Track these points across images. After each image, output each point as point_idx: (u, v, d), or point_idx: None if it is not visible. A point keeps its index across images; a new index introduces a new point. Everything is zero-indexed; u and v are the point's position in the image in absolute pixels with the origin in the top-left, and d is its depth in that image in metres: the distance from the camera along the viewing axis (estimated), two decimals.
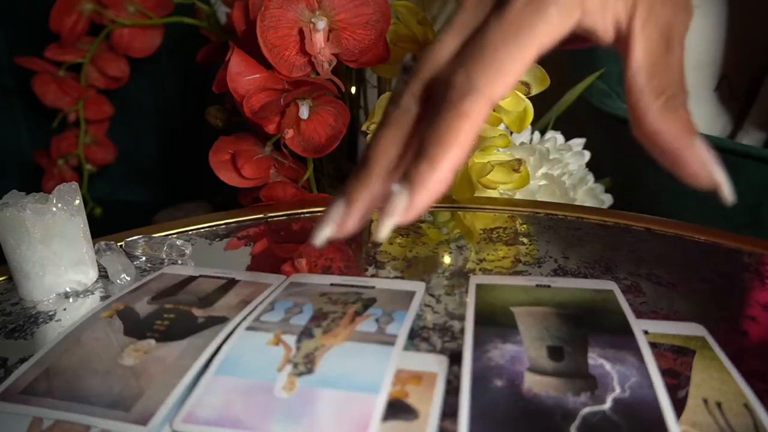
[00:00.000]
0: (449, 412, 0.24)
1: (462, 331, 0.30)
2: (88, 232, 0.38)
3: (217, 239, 0.45)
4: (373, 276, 0.38)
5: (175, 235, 0.45)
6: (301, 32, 0.48)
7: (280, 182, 0.52)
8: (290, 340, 0.29)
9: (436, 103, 0.23)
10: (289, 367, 0.27)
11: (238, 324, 0.30)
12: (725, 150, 0.67)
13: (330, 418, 0.24)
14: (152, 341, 0.29)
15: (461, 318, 0.32)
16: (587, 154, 0.62)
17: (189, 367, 0.27)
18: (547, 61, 0.53)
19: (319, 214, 0.49)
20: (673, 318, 0.31)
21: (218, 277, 0.37)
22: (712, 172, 0.23)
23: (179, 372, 0.27)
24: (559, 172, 0.58)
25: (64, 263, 0.36)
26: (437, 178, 0.22)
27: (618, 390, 0.25)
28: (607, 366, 0.26)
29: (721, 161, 0.24)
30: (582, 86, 0.77)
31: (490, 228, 0.45)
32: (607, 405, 0.24)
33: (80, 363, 0.28)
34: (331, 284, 0.35)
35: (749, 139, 0.86)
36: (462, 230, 0.46)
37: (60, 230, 0.36)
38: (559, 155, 0.59)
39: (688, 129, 0.23)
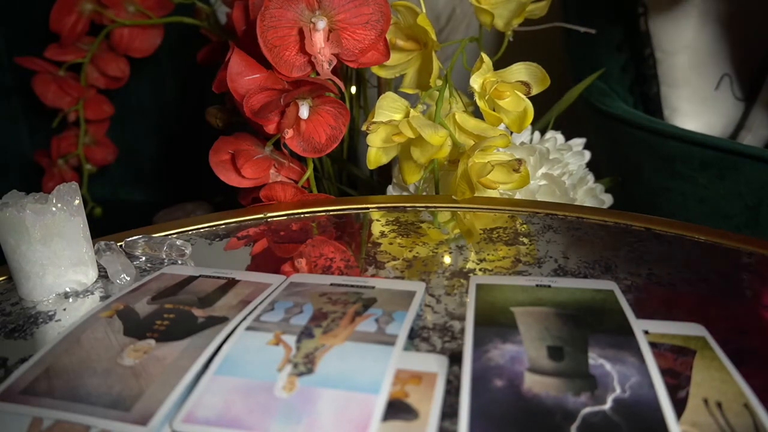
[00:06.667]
0: (449, 412, 0.24)
1: (462, 331, 0.30)
2: (88, 232, 0.38)
3: (217, 239, 0.45)
4: (373, 276, 0.38)
5: (175, 235, 0.45)
6: (301, 32, 0.48)
7: (280, 182, 0.52)
8: (290, 340, 0.29)
9: None
10: (289, 367, 0.27)
11: (238, 324, 0.30)
12: (725, 150, 0.67)
13: (330, 418, 0.24)
14: (152, 341, 0.29)
15: (461, 318, 0.32)
16: (587, 154, 0.62)
17: (189, 367, 0.27)
18: (547, 61, 0.54)
19: (319, 214, 0.49)
20: (673, 318, 0.31)
21: (218, 277, 0.37)
22: None
23: (179, 372, 0.27)
24: (559, 172, 0.58)
25: (64, 263, 0.36)
26: None
27: (618, 390, 0.25)
28: (607, 366, 0.26)
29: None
30: (582, 86, 0.77)
31: (490, 228, 0.45)
32: (608, 405, 0.24)
33: (80, 363, 0.28)
34: (331, 284, 0.35)
35: (752, 137, 0.86)
36: (462, 230, 0.46)
37: (60, 230, 0.36)
38: (559, 155, 0.59)
39: None
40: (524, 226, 0.45)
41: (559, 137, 0.61)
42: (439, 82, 0.55)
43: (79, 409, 0.25)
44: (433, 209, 0.49)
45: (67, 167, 0.95)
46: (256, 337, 0.29)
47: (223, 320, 0.31)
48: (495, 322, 0.30)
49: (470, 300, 0.33)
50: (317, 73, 0.49)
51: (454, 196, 0.50)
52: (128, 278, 0.38)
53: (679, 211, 0.73)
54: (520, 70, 0.51)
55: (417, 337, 0.30)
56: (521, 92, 0.51)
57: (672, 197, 0.73)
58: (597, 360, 0.26)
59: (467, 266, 0.38)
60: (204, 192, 1.00)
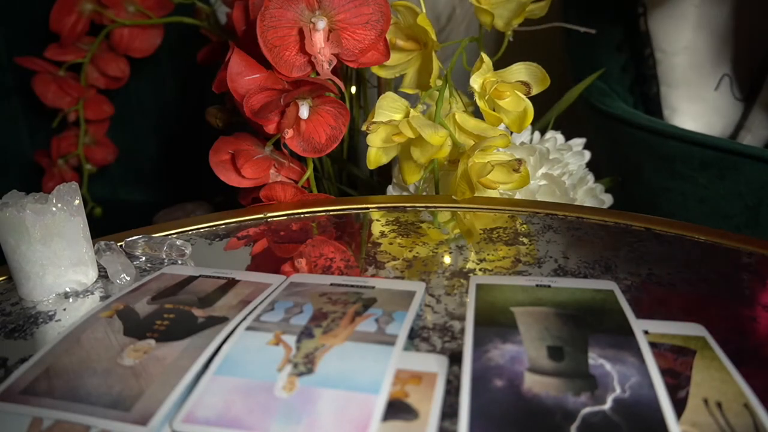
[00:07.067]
0: (449, 412, 0.24)
1: (462, 331, 0.30)
2: (88, 232, 0.38)
3: (217, 239, 0.45)
4: (373, 276, 0.38)
5: (175, 235, 0.45)
6: (301, 32, 0.48)
7: (280, 182, 0.52)
8: (290, 340, 0.29)
9: None
10: (289, 367, 0.27)
11: (238, 324, 0.30)
12: (725, 150, 0.67)
13: (330, 418, 0.24)
14: (152, 341, 0.29)
15: (461, 318, 0.32)
16: (587, 154, 0.62)
17: (189, 367, 0.27)
18: (547, 61, 0.54)
19: (319, 214, 0.49)
20: (673, 318, 0.31)
21: (218, 277, 0.37)
22: None
23: (179, 372, 0.27)
24: (559, 172, 0.58)
25: (64, 263, 0.36)
26: None
27: (618, 390, 0.25)
28: (607, 366, 0.26)
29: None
30: (582, 86, 0.77)
31: (490, 228, 0.45)
32: (608, 405, 0.24)
33: (80, 363, 0.28)
34: (331, 284, 0.35)
35: (751, 138, 0.86)
36: (462, 230, 0.46)
37: (60, 230, 0.36)
38: (559, 155, 0.59)
39: None
40: (524, 226, 0.45)
41: (559, 137, 0.61)
42: (439, 82, 0.55)
43: (79, 409, 0.25)
44: (433, 209, 0.49)
45: (67, 167, 0.95)
46: (256, 337, 0.29)
47: (223, 320, 0.31)
48: (495, 322, 0.30)
49: (470, 300, 0.33)
50: (317, 73, 0.49)
51: (454, 196, 0.50)
52: (128, 278, 0.38)
53: (679, 211, 0.73)
54: (520, 70, 0.51)
55: (417, 337, 0.30)
56: (521, 92, 0.51)
57: (672, 197, 0.73)
58: (597, 360, 0.26)
59: (467, 266, 0.38)
60: (204, 192, 1.00)
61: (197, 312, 0.32)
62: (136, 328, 0.31)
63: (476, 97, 0.52)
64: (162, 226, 0.46)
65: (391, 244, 0.42)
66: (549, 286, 0.34)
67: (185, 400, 0.25)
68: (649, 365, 0.26)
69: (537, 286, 0.34)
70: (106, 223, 0.94)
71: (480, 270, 0.38)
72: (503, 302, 0.32)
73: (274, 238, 0.45)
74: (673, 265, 0.38)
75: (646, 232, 0.43)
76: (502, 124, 0.52)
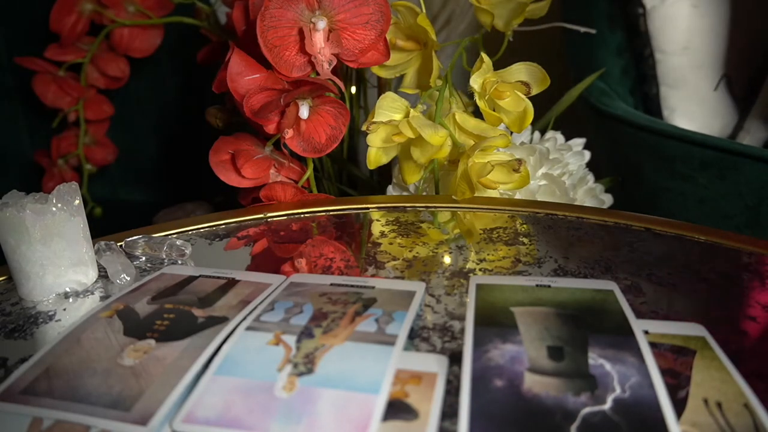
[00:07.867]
0: (449, 412, 0.24)
1: (462, 331, 0.30)
2: (88, 232, 0.38)
3: (217, 239, 0.45)
4: (373, 276, 0.38)
5: (175, 235, 0.45)
6: (301, 32, 0.48)
7: (280, 182, 0.52)
8: (290, 340, 0.29)
9: None
10: (289, 367, 0.27)
11: (238, 324, 0.30)
12: (725, 150, 0.67)
13: (330, 418, 0.24)
14: (152, 341, 0.29)
15: (461, 318, 0.32)
16: (587, 154, 0.62)
17: (189, 367, 0.27)
18: (547, 61, 0.54)
19: (319, 214, 0.49)
20: (673, 318, 0.31)
21: (218, 277, 0.37)
22: None
23: (179, 372, 0.27)
24: (559, 172, 0.58)
25: (64, 263, 0.36)
26: None
27: (618, 390, 0.25)
28: (607, 366, 0.26)
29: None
30: (582, 86, 0.77)
31: (490, 228, 0.45)
32: (608, 405, 0.24)
33: (80, 363, 0.28)
34: (331, 284, 0.35)
35: (751, 138, 0.86)
36: (462, 230, 0.46)
37: (60, 230, 0.36)
38: (559, 155, 0.59)
39: None
40: (524, 226, 0.45)
41: (559, 137, 0.61)
42: (439, 82, 0.55)
43: (79, 409, 0.25)
44: (433, 209, 0.49)
45: (67, 167, 0.95)
46: (256, 337, 0.29)
47: (223, 320, 0.31)
48: (495, 322, 0.30)
49: (470, 300, 0.33)
50: (317, 73, 0.49)
51: (454, 196, 0.50)
52: (128, 278, 0.38)
53: (679, 211, 0.73)
54: (520, 70, 0.51)
55: (417, 337, 0.30)
56: (521, 92, 0.51)
57: (672, 197, 0.73)
58: (597, 360, 0.26)
59: (467, 266, 0.38)
60: (204, 192, 1.00)
61: (197, 312, 0.32)
62: (136, 328, 0.31)
63: (476, 97, 0.52)
64: (162, 226, 0.46)
65: (391, 244, 0.42)
66: (549, 286, 0.34)
67: (185, 400, 0.25)
68: (649, 365, 0.26)
69: (537, 286, 0.34)
70: (106, 223, 0.94)
71: (480, 270, 0.38)
72: (503, 302, 0.32)
73: (274, 238, 0.45)
74: (673, 265, 0.38)
75: (646, 232, 0.43)
76: (502, 124, 0.52)
